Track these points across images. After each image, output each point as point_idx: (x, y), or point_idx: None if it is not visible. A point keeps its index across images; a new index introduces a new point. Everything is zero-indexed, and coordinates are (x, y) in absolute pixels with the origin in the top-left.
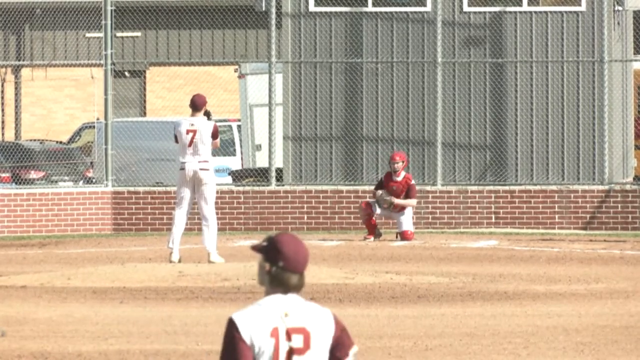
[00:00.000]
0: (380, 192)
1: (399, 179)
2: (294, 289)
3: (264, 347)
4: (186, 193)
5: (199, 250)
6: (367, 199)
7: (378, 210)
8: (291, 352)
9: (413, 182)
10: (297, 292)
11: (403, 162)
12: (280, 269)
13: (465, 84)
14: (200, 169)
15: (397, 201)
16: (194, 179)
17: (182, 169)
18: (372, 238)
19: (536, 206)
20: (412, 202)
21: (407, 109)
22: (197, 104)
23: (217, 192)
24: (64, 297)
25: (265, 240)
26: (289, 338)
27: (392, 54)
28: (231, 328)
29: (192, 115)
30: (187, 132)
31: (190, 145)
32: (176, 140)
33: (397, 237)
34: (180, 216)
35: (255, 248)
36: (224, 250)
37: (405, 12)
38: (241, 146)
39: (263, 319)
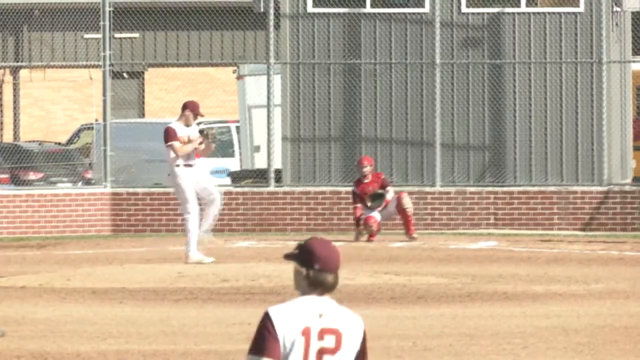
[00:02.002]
0: (369, 203)
1: (369, 180)
2: (331, 288)
3: (295, 344)
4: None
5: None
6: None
7: (379, 217)
8: (322, 351)
9: (383, 176)
10: (332, 291)
11: (371, 166)
12: (316, 271)
13: (463, 85)
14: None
15: (389, 195)
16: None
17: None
18: (374, 239)
19: (535, 207)
20: (390, 189)
21: (406, 110)
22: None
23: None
24: (63, 297)
25: (296, 247)
26: (321, 337)
27: (391, 55)
28: (266, 321)
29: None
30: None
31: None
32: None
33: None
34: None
35: (288, 257)
36: (223, 251)
37: (404, 13)
38: (240, 147)
39: (298, 316)
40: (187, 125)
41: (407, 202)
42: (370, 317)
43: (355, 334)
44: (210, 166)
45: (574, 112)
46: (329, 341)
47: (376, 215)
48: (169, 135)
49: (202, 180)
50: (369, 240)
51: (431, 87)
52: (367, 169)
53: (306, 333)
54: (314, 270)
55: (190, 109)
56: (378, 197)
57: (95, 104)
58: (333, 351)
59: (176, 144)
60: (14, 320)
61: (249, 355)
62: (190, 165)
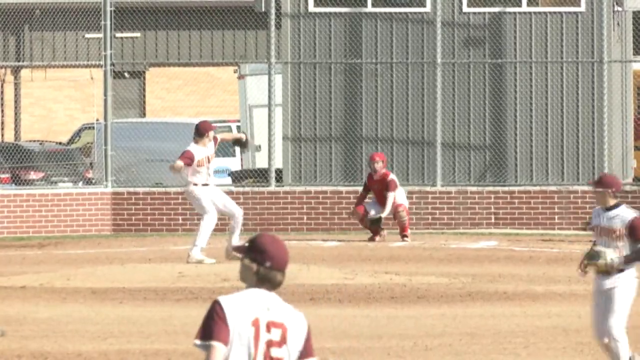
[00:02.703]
0: (368, 216)
1: (379, 178)
2: (278, 285)
3: (244, 334)
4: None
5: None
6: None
7: (372, 212)
8: (269, 343)
9: (391, 177)
10: (278, 289)
11: (382, 161)
12: (267, 268)
13: (464, 85)
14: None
15: (385, 214)
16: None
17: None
18: (377, 238)
19: (536, 207)
20: (391, 195)
21: (407, 110)
22: (201, 130)
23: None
24: (63, 297)
25: (248, 242)
26: (268, 330)
27: (392, 55)
28: (216, 307)
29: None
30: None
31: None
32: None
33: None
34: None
35: (239, 250)
36: (223, 251)
37: (405, 13)
38: None
39: (248, 307)
40: (204, 146)
41: (403, 216)
42: (371, 317)
43: (300, 330)
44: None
45: (575, 111)
46: (276, 334)
47: (370, 210)
48: (182, 155)
49: (221, 197)
50: (371, 240)
51: (432, 86)
52: (379, 165)
53: (255, 324)
54: (264, 267)
55: (207, 131)
56: (376, 221)
57: (96, 104)
58: (279, 344)
59: (179, 163)
60: (15, 320)
61: (196, 341)
62: (206, 185)
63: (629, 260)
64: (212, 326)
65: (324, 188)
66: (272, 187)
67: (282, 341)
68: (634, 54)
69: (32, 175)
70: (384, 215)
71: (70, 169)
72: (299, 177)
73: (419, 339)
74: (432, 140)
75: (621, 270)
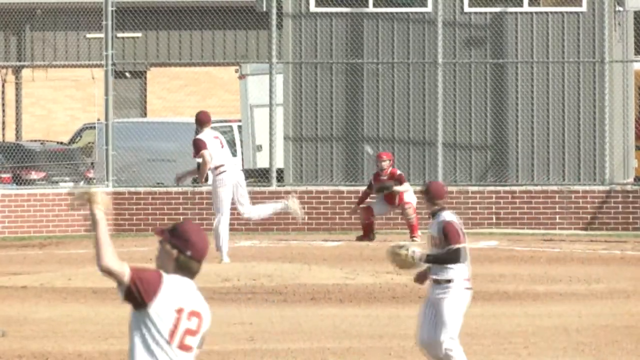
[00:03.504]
0: (375, 191)
1: (386, 177)
2: (195, 275)
3: (167, 317)
4: (229, 198)
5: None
6: (365, 205)
7: (377, 208)
8: (187, 332)
9: (400, 172)
10: (193, 278)
11: (389, 160)
12: (187, 257)
13: (466, 85)
14: (240, 171)
15: (397, 188)
16: (236, 184)
17: (224, 171)
18: (366, 240)
19: (537, 207)
20: (407, 186)
21: (408, 110)
22: (202, 120)
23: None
24: (64, 297)
25: (171, 227)
26: (189, 319)
27: (393, 55)
28: (160, 273)
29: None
30: (214, 138)
31: (222, 147)
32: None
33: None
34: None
35: (160, 233)
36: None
37: (406, 13)
38: (242, 147)
39: (178, 294)
40: None
41: (410, 214)
42: (372, 317)
43: (208, 320)
44: None
45: (576, 111)
46: (194, 323)
47: (375, 207)
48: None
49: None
50: (360, 239)
51: (433, 86)
52: (385, 164)
53: (180, 312)
54: (185, 256)
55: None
56: (385, 188)
57: (98, 104)
58: (194, 333)
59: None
60: (16, 320)
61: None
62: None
63: (429, 259)
64: (146, 277)
65: (325, 188)
66: (273, 187)
67: (197, 330)
68: (635, 54)
69: (33, 175)
70: (400, 189)
71: (72, 168)
72: (300, 177)
73: None
74: (433, 140)
75: (449, 281)
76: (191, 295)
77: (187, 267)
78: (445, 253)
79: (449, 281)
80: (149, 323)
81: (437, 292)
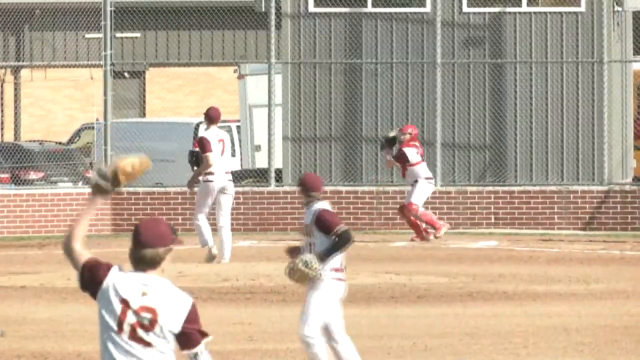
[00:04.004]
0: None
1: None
2: (150, 263)
3: (110, 307)
4: (210, 202)
5: (202, 251)
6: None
7: (388, 157)
8: (137, 324)
9: (404, 149)
10: (155, 267)
11: (411, 134)
12: (133, 250)
13: (464, 85)
14: (228, 180)
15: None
16: (220, 190)
17: (211, 181)
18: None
19: (535, 207)
20: (412, 154)
21: (407, 110)
22: (213, 117)
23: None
24: (63, 297)
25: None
26: (138, 313)
27: (392, 55)
28: (109, 268)
29: (209, 127)
30: (219, 141)
31: (222, 154)
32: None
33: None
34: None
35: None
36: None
37: (405, 13)
38: (240, 147)
39: (125, 286)
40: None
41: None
42: (371, 317)
43: (174, 317)
44: None
45: (575, 111)
46: (145, 318)
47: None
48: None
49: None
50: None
51: (432, 86)
52: (406, 137)
53: (124, 303)
54: (131, 249)
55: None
56: (391, 140)
57: (96, 104)
58: (147, 328)
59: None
60: (15, 320)
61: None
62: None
63: (324, 256)
64: (96, 266)
65: (324, 188)
66: (272, 187)
67: (152, 326)
68: (634, 54)
69: (32, 175)
70: (394, 134)
71: (70, 168)
72: (299, 177)
73: (419, 338)
74: (432, 140)
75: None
76: (145, 291)
77: (137, 258)
78: (336, 240)
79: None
80: (100, 311)
81: (309, 284)
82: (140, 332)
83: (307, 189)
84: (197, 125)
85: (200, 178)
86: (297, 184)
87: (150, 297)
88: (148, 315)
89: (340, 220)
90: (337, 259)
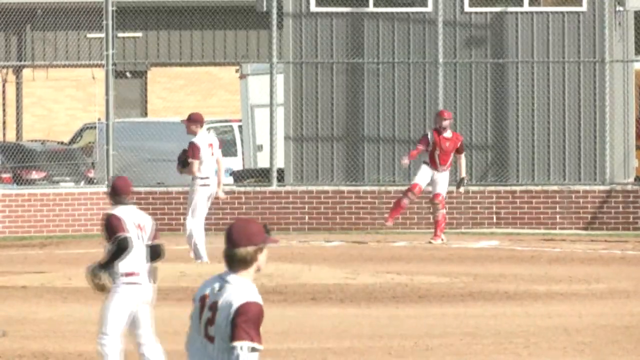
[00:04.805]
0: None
1: (448, 135)
2: (240, 264)
3: (195, 305)
4: (206, 208)
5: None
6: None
7: (423, 185)
8: (207, 322)
9: (461, 141)
10: (245, 268)
11: (451, 120)
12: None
13: (466, 85)
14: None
15: (464, 173)
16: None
17: (207, 185)
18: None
19: (537, 206)
20: (462, 158)
21: (409, 109)
22: (199, 120)
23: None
24: (64, 297)
25: None
26: (209, 309)
27: (394, 54)
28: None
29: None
30: (209, 145)
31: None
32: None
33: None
34: (200, 227)
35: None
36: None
37: (407, 13)
38: (242, 147)
39: (207, 283)
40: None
41: (438, 208)
42: (372, 317)
43: (231, 308)
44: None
45: (577, 111)
46: (210, 314)
47: (421, 183)
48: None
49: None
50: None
51: (434, 86)
52: (447, 122)
53: (202, 301)
54: (224, 249)
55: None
56: (461, 183)
57: (98, 103)
58: (211, 322)
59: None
60: (16, 320)
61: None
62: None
63: (104, 264)
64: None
65: (326, 188)
66: (274, 187)
67: (213, 321)
68: (635, 54)
69: (34, 175)
70: (464, 174)
71: (72, 168)
72: (301, 177)
73: (420, 338)
74: None
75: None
76: (218, 287)
77: (227, 257)
78: (113, 248)
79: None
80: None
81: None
82: (209, 327)
83: (117, 193)
84: None
85: (197, 183)
86: (108, 188)
87: (219, 293)
88: (211, 311)
89: (124, 228)
90: (130, 263)
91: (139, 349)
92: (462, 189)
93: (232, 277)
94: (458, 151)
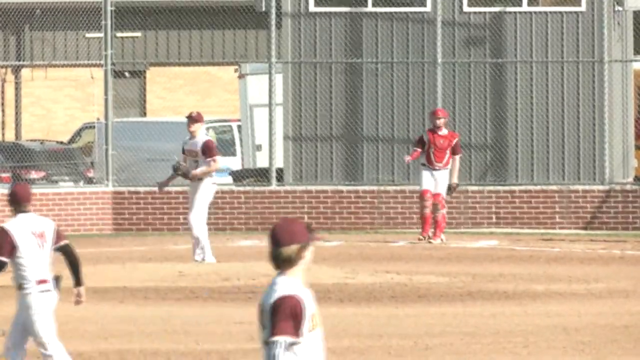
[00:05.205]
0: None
1: (443, 133)
2: (285, 264)
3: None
4: None
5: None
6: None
7: (408, 158)
8: (260, 328)
9: (457, 139)
10: (291, 267)
11: (445, 118)
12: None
13: (465, 84)
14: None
15: (455, 179)
16: None
17: (216, 183)
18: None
19: (536, 206)
20: (457, 161)
21: (407, 109)
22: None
23: (218, 192)
24: (63, 297)
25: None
26: (259, 314)
27: (392, 54)
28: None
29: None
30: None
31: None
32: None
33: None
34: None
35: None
36: (224, 250)
37: (405, 12)
38: (241, 146)
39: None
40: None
41: (438, 208)
42: (371, 316)
43: (269, 304)
44: None
45: (576, 111)
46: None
47: (428, 187)
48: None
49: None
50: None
51: (433, 86)
52: (441, 121)
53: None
54: (269, 249)
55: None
56: (449, 191)
57: (97, 103)
58: (263, 325)
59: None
60: None
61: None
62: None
63: None
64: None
65: (325, 187)
66: (273, 187)
67: (262, 325)
68: (634, 54)
69: (33, 175)
70: (455, 180)
71: (71, 168)
72: (300, 177)
73: (419, 338)
74: None
75: (21, 286)
76: (268, 290)
77: (272, 257)
78: None
79: (21, 286)
80: None
81: (20, 297)
82: (262, 333)
83: (18, 200)
84: None
85: (210, 181)
86: (7, 196)
87: (265, 297)
88: (260, 316)
89: (6, 250)
90: (34, 271)
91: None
92: (449, 197)
93: (279, 279)
94: (454, 152)
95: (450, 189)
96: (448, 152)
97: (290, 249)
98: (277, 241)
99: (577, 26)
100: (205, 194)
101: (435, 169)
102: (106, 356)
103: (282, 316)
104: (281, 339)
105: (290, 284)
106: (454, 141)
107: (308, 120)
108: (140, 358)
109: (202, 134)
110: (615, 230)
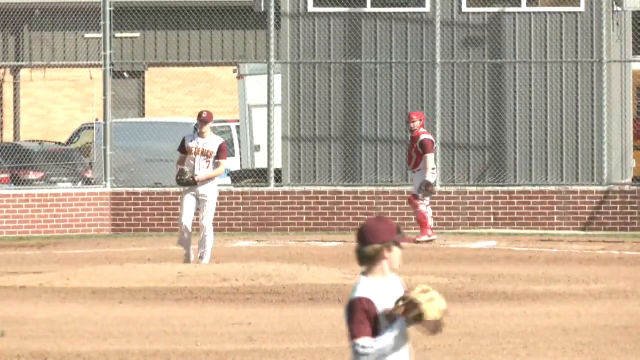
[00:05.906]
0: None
1: (415, 135)
2: (369, 261)
3: None
4: None
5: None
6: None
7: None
8: None
9: (423, 136)
10: (374, 264)
11: (420, 120)
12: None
13: (464, 85)
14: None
15: (428, 177)
16: None
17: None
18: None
19: (535, 207)
20: (427, 158)
21: (406, 110)
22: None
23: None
24: (63, 297)
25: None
26: None
27: (391, 55)
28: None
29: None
30: None
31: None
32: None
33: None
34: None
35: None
36: (223, 251)
37: (404, 13)
38: (240, 147)
39: None
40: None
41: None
42: None
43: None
44: None
45: (575, 111)
46: None
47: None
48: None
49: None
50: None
51: (432, 86)
52: (413, 124)
53: None
54: (356, 247)
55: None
56: (426, 188)
57: (96, 104)
58: None
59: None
60: (15, 320)
61: None
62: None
63: None
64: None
65: (323, 188)
66: (272, 187)
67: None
68: (633, 54)
69: (32, 176)
70: (428, 178)
71: (70, 169)
72: (299, 178)
73: (418, 339)
74: None
75: None
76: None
77: (358, 254)
78: None
79: None
80: None
81: None
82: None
83: None
84: (196, 126)
85: (217, 183)
86: None
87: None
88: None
89: None
90: None
91: None
92: (422, 196)
93: (360, 279)
94: (423, 151)
95: (421, 188)
96: (414, 154)
97: (373, 248)
98: (361, 239)
99: (576, 27)
100: (216, 197)
101: (413, 172)
102: (106, 357)
103: (350, 319)
104: (361, 342)
105: (368, 285)
106: (417, 142)
107: (307, 121)
108: (140, 359)
109: (212, 134)
110: (614, 231)
